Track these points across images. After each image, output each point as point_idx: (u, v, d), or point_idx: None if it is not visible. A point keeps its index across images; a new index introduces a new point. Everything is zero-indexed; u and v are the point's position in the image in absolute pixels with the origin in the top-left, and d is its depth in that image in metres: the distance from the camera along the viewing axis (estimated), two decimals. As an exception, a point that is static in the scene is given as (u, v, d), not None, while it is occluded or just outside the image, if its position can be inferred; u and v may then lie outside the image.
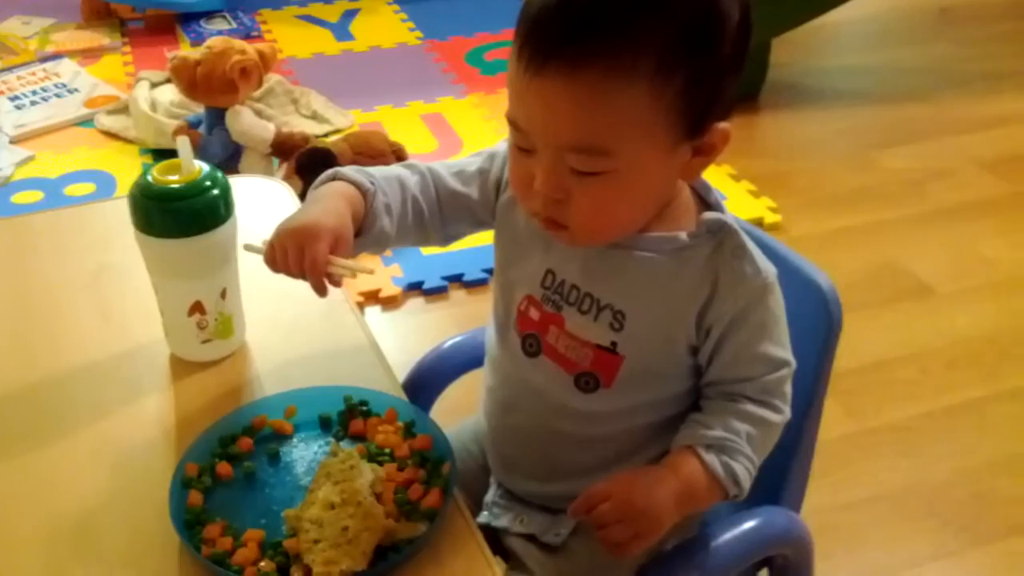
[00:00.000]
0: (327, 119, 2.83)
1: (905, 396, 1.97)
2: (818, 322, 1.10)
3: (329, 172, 1.00)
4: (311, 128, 2.72)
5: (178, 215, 1.01)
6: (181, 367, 1.09)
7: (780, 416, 0.98)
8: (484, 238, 1.10)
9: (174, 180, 1.01)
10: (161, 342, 1.10)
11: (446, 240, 1.09)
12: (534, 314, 1.00)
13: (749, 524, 1.10)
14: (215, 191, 1.02)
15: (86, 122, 2.86)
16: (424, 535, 0.87)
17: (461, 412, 1.20)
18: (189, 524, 0.88)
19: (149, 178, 1.02)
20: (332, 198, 0.96)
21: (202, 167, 1.03)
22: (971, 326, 2.17)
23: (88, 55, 3.22)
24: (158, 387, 1.07)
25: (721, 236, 0.94)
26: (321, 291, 0.92)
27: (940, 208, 2.58)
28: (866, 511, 1.71)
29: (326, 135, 2.73)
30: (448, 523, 0.90)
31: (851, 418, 1.89)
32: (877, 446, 1.85)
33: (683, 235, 0.94)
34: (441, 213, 1.04)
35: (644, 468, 0.95)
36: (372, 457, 0.95)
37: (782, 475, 1.16)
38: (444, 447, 0.96)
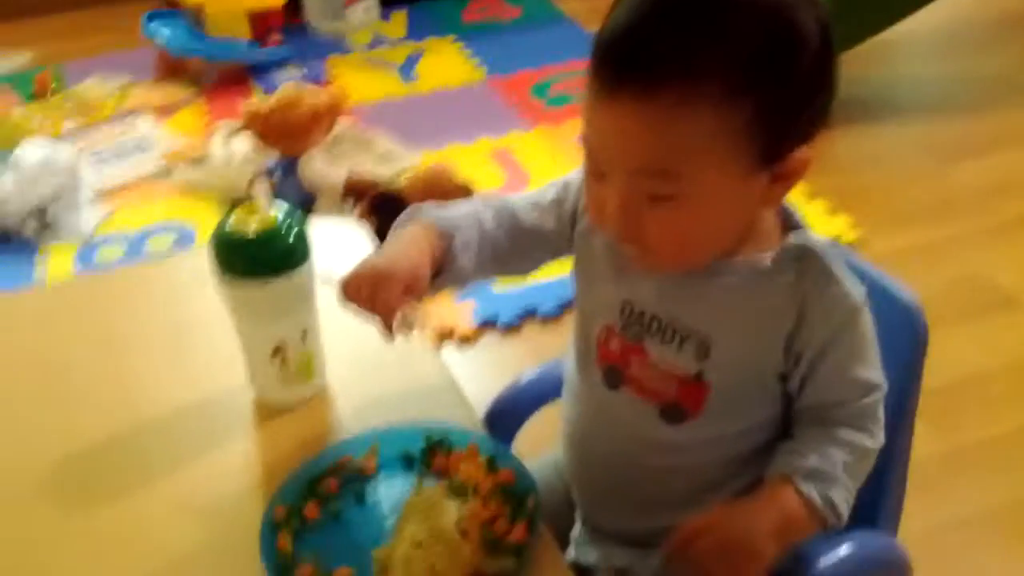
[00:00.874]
0: (396, 159, 2.85)
1: (998, 411, 1.91)
2: (905, 339, 1.07)
3: (409, 211, 1.01)
4: (381, 169, 2.75)
5: (258, 258, 1.03)
6: (265, 413, 1.10)
7: (875, 442, 0.95)
8: (558, 269, 1.10)
9: (253, 224, 1.03)
10: (243, 389, 1.11)
11: (526, 271, 1.09)
12: (615, 345, 0.99)
13: (845, 550, 1.07)
14: (293, 233, 1.04)
15: (164, 174, 2.92)
16: (511, 570, 0.86)
17: (542, 446, 1.19)
18: (281, 568, 0.89)
19: (228, 224, 1.04)
20: (411, 239, 0.97)
21: (279, 210, 1.05)
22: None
23: (165, 110, 3.29)
24: (244, 434, 1.09)
25: (806, 260, 0.93)
26: (388, 334, 0.93)
27: (1018, 218, 2.51)
28: (963, 533, 1.65)
29: (396, 175, 2.75)
30: (535, 557, 0.89)
31: (943, 437, 1.83)
32: (972, 465, 1.79)
33: (766, 260, 0.93)
34: (519, 246, 1.04)
35: (741, 501, 0.93)
36: (456, 493, 0.95)
37: (876, 497, 1.12)
38: (527, 480, 0.95)
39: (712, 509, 0.90)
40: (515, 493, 0.94)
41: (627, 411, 0.99)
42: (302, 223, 1.06)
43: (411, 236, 0.97)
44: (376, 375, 1.14)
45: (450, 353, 2.15)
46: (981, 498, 1.72)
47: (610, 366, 1.00)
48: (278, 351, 1.07)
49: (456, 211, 1.02)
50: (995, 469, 1.78)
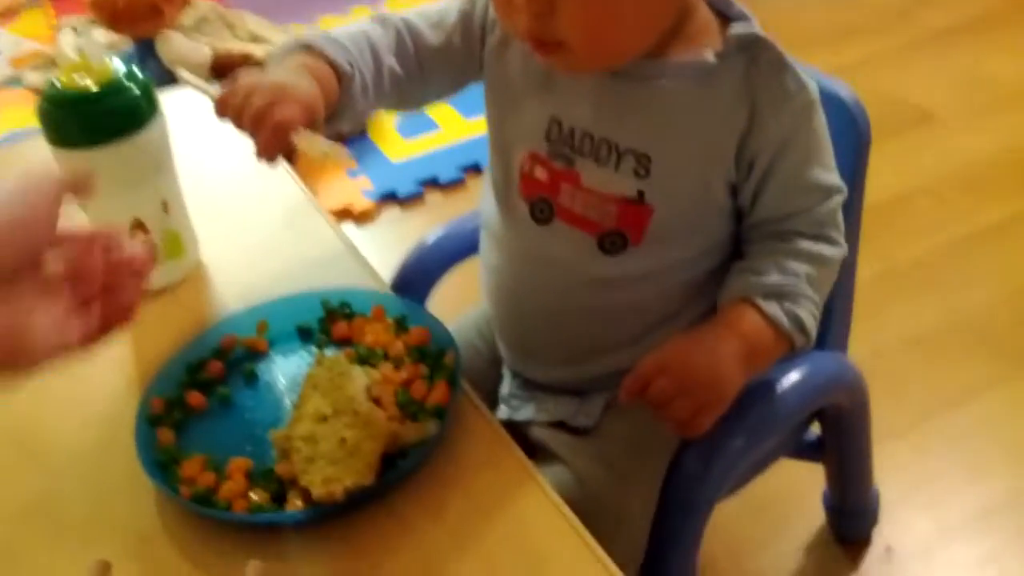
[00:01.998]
0: (266, 39, 2.65)
1: (926, 228, 1.86)
2: (848, 142, 0.98)
3: (297, 40, 0.84)
4: (251, 49, 2.55)
5: (95, 120, 0.88)
6: None
7: (838, 249, 0.86)
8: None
9: (87, 80, 0.88)
10: None
11: (421, 104, 0.96)
12: (541, 174, 0.87)
13: (798, 374, 0.98)
14: (136, 86, 0.90)
15: (14, 82, 2.69)
16: (436, 435, 0.74)
17: (459, 309, 1.08)
18: (163, 465, 0.77)
19: (57, 84, 0.89)
20: (301, 69, 0.79)
21: (116, 65, 0.89)
22: (983, 148, 2.05)
23: (6, 15, 3.04)
24: None
25: (755, 50, 0.82)
26: (272, 152, 0.74)
27: (932, 32, 2.43)
28: (906, 351, 1.59)
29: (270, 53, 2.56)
30: (461, 419, 0.79)
31: (871, 260, 1.76)
32: (905, 286, 1.73)
33: (709, 56, 0.81)
34: (422, 73, 0.90)
35: (697, 331, 0.83)
36: (363, 360, 0.83)
37: (823, 318, 1.03)
38: (444, 337, 0.84)
39: (666, 344, 0.80)
40: (431, 353, 0.83)
41: (561, 246, 0.88)
42: (147, 79, 0.91)
43: (300, 65, 0.80)
44: (259, 250, 1.02)
45: (348, 232, 2.00)
46: (919, 318, 1.67)
47: (538, 198, 0.88)
48: (136, 228, 0.92)
49: (348, 37, 0.86)
50: (927, 289, 1.73)
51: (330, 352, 0.84)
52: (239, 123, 0.75)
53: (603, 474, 0.89)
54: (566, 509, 0.72)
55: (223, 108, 0.76)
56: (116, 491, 0.77)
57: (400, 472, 0.73)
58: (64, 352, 0.61)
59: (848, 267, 1.03)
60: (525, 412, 0.95)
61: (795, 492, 1.35)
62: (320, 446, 0.73)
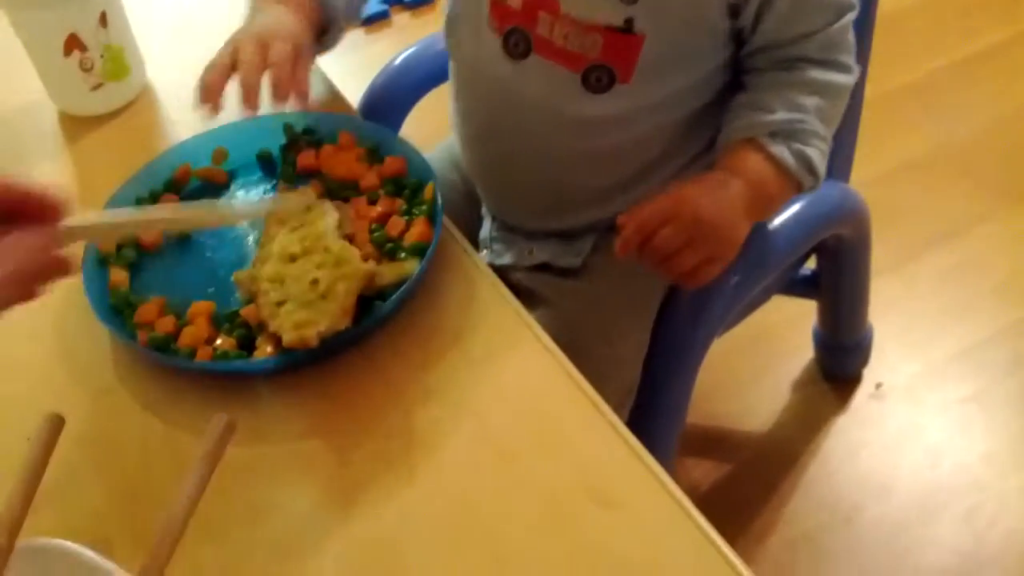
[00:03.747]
0: None
1: (921, 50, 1.77)
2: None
3: None
4: None
5: None
6: (73, 126, 0.88)
7: (849, 76, 0.78)
8: None
9: None
10: (42, 103, 0.88)
11: None
12: (515, 1, 0.77)
13: (799, 207, 0.92)
14: None
15: None
16: (416, 276, 0.67)
17: (434, 137, 1.00)
18: (117, 310, 0.70)
19: None
20: (280, 10, 0.76)
21: None
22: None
23: None
24: (50, 157, 0.87)
25: None
26: (296, 94, 0.71)
27: None
28: (897, 182, 1.54)
29: None
30: (444, 258, 0.72)
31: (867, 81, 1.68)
32: (899, 109, 1.66)
33: None
34: None
35: (701, 177, 0.76)
36: (332, 194, 0.76)
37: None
38: (423, 168, 0.76)
39: (666, 192, 0.73)
40: (408, 185, 0.76)
41: (539, 84, 0.79)
42: None
43: (277, 8, 0.77)
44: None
45: (310, 60, 1.88)
46: (911, 144, 1.60)
47: (512, 30, 0.79)
48: (72, 45, 0.83)
49: None
50: (923, 111, 1.66)
51: (296, 185, 0.77)
52: (247, 83, 0.70)
53: (592, 315, 0.84)
54: (557, 351, 0.67)
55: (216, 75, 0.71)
56: (70, 341, 0.70)
57: (378, 315, 0.66)
58: None
59: (857, 89, 0.95)
60: (507, 257, 0.88)
61: (784, 329, 1.32)
62: (289, 288, 0.66)
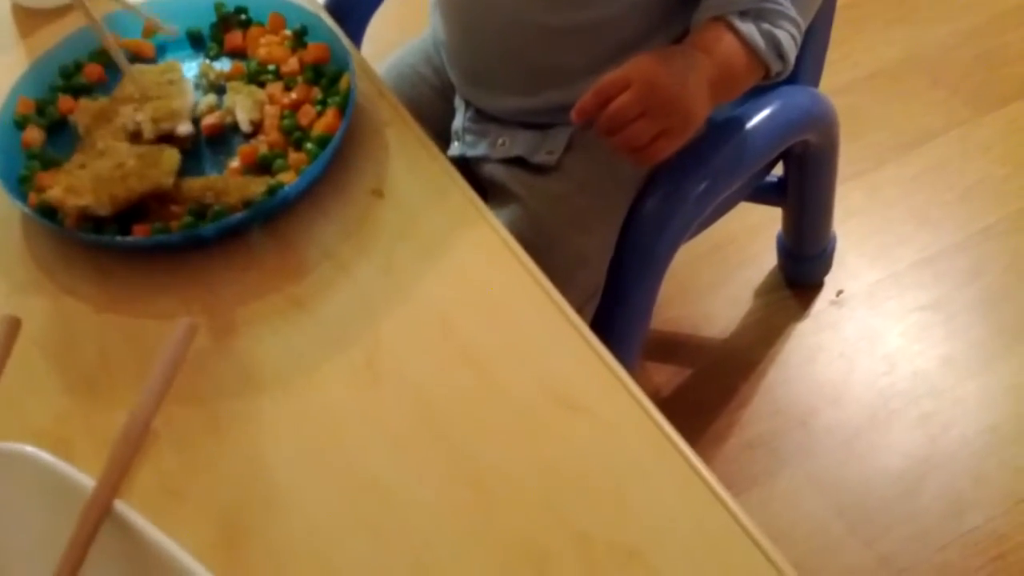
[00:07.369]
0: None
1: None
2: None
3: None
4: None
5: None
6: (27, 18, 0.85)
7: None
8: None
9: None
10: None
11: None
12: None
13: (769, 110, 0.91)
14: None
15: None
16: (280, 193, 0.67)
17: (406, 33, 0.98)
18: (26, 180, 0.70)
19: None
20: None
21: None
22: None
23: None
24: (5, 51, 0.84)
25: None
26: None
27: None
28: (865, 90, 1.53)
29: None
30: (405, 154, 0.71)
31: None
32: (871, 17, 1.64)
33: None
34: None
35: (666, 49, 0.74)
36: (252, 78, 0.75)
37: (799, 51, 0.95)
38: (344, 57, 0.75)
39: (630, 60, 0.71)
40: (327, 74, 0.75)
41: None
42: None
43: None
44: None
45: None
46: (880, 53, 1.58)
47: None
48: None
49: None
50: (895, 19, 1.64)
51: (221, 65, 0.77)
52: None
53: (561, 213, 0.83)
54: (517, 247, 0.65)
55: None
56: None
57: (275, 202, 0.67)
58: None
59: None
60: (480, 148, 0.86)
61: (747, 236, 1.32)
62: (104, 160, 0.68)
